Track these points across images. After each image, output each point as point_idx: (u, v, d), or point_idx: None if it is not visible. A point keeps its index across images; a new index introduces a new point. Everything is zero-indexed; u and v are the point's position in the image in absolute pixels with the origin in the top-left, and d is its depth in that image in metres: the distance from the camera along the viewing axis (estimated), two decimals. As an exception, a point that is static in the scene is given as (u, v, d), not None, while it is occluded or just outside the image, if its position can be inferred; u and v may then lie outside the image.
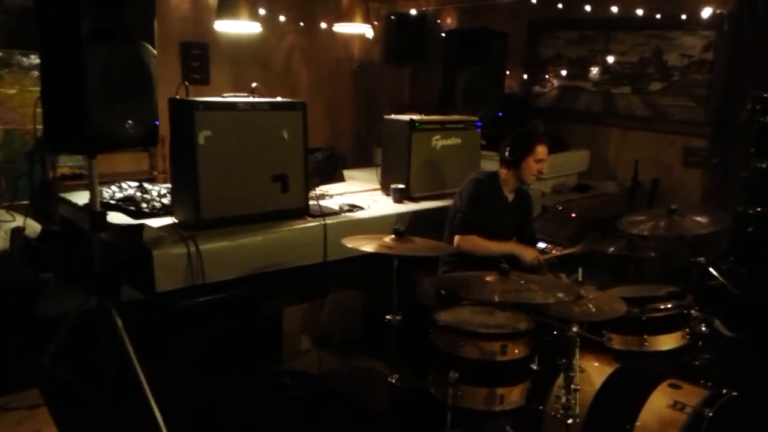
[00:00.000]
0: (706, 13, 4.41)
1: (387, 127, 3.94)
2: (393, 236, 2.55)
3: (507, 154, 3.17)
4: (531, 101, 5.62)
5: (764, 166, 3.79)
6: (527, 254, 3.09)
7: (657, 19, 4.69)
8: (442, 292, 2.79)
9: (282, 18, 5.18)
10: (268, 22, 4.97)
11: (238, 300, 3.04)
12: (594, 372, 2.53)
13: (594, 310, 2.38)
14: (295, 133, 3.13)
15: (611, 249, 3.66)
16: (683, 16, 4.55)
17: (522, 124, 5.17)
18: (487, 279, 2.34)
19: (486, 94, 4.57)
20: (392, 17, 5.31)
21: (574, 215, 4.02)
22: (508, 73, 5.46)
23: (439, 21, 5.71)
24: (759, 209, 3.84)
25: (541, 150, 3.13)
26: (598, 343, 2.63)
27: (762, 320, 3.45)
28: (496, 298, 2.26)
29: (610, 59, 5.09)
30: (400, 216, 3.53)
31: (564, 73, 5.43)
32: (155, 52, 2.62)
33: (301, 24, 5.40)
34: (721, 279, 2.76)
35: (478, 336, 2.44)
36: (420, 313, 2.66)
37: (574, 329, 2.29)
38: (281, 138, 3.09)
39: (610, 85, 5.12)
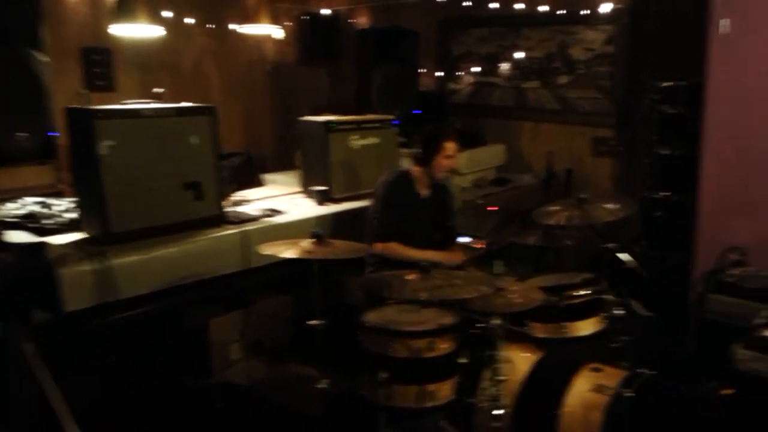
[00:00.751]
0: (606, 8, 4.62)
1: (303, 129, 3.89)
2: (312, 240, 2.50)
3: (417, 152, 3.21)
4: (447, 98, 5.69)
5: (667, 152, 3.98)
6: (453, 259, 3.12)
7: (560, 15, 4.86)
8: (367, 293, 2.78)
9: (189, 20, 5.00)
10: (175, 24, 4.78)
11: (158, 314, 2.92)
12: (519, 361, 2.59)
13: (514, 301, 2.44)
14: (206, 139, 3.02)
15: (530, 240, 3.76)
16: (584, 12, 4.74)
17: (439, 120, 5.23)
18: (409, 278, 2.34)
19: (401, 93, 4.59)
20: (304, 17, 5.24)
21: (493, 209, 4.10)
22: (423, 71, 5.52)
23: (352, 20, 5.69)
24: (663, 194, 4.03)
25: (450, 146, 3.18)
26: (522, 332, 2.68)
27: (673, 299, 3.63)
28: (422, 297, 2.28)
29: (519, 55, 5.24)
30: (321, 218, 3.49)
31: (476, 69, 5.54)
32: (46, 59, 2.45)
33: (210, 26, 5.24)
34: (632, 264, 2.87)
35: (405, 335, 2.44)
36: (349, 315, 2.64)
37: (496, 321, 2.33)
38: (191, 144, 2.97)
39: (520, 80, 5.27)
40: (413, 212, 3.24)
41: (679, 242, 3.89)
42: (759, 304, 2.22)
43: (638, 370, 2.47)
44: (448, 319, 2.51)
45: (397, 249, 3.08)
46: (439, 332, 2.44)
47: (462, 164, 4.92)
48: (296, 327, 3.57)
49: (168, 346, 3.14)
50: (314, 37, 5.23)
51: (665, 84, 3.97)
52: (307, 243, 2.49)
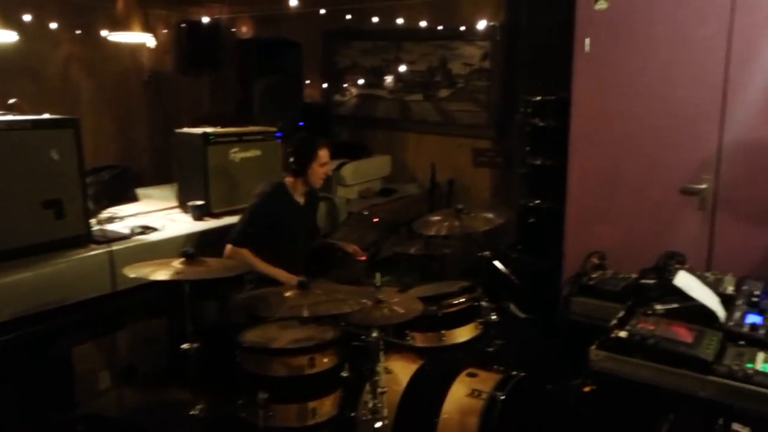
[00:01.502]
0: (481, 25, 4.83)
1: (180, 142, 3.73)
2: (183, 259, 2.39)
3: (291, 162, 3.20)
4: (332, 109, 5.71)
5: (538, 162, 4.21)
6: (289, 283, 3.07)
7: (439, 30, 5.03)
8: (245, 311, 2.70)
9: (53, 25, 4.67)
10: (36, 29, 4.45)
11: (17, 343, 2.66)
12: (400, 372, 2.61)
13: (395, 312, 2.46)
14: (68, 153, 2.81)
15: (413, 250, 3.83)
16: (462, 28, 4.93)
17: (324, 132, 5.23)
18: (287, 294, 2.30)
19: (285, 104, 4.54)
20: (182, 25, 5.05)
21: (376, 220, 4.14)
22: (307, 82, 5.50)
23: (233, 29, 5.56)
24: (537, 202, 4.25)
25: (323, 153, 3.20)
26: (402, 343, 2.72)
27: (546, 302, 3.83)
28: (303, 313, 2.24)
29: (402, 68, 5.36)
30: (198, 235, 3.36)
31: (361, 81, 5.61)
32: None
33: (78, 32, 4.92)
34: (504, 270, 3.01)
35: (285, 352, 2.40)
36: (227, 336, 2.55)
37: (375, 334, 2.34)
38: (51, 159, 2.75)
39: (404, 92, 5.39)
40: (292, 221, 3.23)
41: (551, 247, 4.12)
42: (616, 305, 2.37)
43: (511, 373, 2.58)
44: (329, 334, 2.50)
45: (245, 256, 3.02)
46: (319, 347, 2.42)
47: (348, 176, 4.95)
48: (172, 351, 3.41)
49: (28, 377, 2.89)
50: (193, 46, 5.04)
51: (536, 98, 4.20)
52: (177, 263, 2.38)
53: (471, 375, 2.57)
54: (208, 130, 3.65)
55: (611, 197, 3.72)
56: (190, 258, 2.38)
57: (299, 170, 3.19)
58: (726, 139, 3.34)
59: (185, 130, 3.75)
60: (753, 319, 2.06)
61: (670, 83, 3.46)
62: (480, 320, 2.81)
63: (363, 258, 3.40)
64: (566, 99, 3.81)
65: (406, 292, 2.87)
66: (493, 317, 2.85)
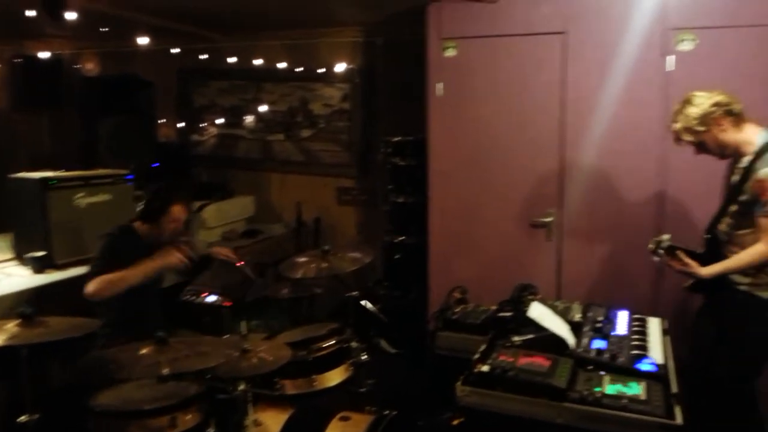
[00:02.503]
0: (340, 68, 4.94)
1: (14, 188, 3.39)
2: (18, 321, 2.14)
3: (143, 208, 3.02)
4: (191, 149, 5.49)
5: (401, 200, 4.33)
6: (169, 258, 2.93)
7: (299, 72, 5.07)
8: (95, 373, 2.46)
9: None
10: None
11: None
12: (271, 423, 2.51)
13: (263, 361, 2.38)
14: None
15: (281, 292, 3.75)
16: (321, 70, 5.00)
17: (182, 173, 5.02)
18: (142, 352, 2.13)
19: (136, 144, 4.30)
20: (17, 60, 4.64)
21: (241, 263, 4.00)
22: (162, 121, 5.27)
23: (79, 65, 5.21)
24: (402, 238, 4.36)
25: (177, 210, 3.04)
26: (271, 393, 2.62)
27: (416, 335, 3.91)
28: (162, 371, 2.09)
29: (263, 108, 5.31)
30: (39, 290, 3.04)
31: (220, 121, 5.47)
32: None
33: None
34: (372, 309, 3.04)
35: (143, 414, 2.22)
36: (78, 400, 2.31)
37: (241, 387, 2.24)
38: None
39: (265, 132, 5.33)
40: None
41: (416, 282, 4.24)
42: (479, 337, 2.46)
43: (383, 413, 2.58)
44: (192, 389, 2.35)
45: (107, 276, 2.79)
46: (181, 406, 2.27)
47: (210, 218, 4.76)
48: (8, 422, 3.01)
49: None
50: (30, 82, 4.65)
51: (396, 138, 4.34)
52: (13, 325, 2.12)
53: (344, 419, 2.54)
54: (49, 174, 3.35)
55: (469, 232, 3.91)
56: (28, 318, 2.13)
57: (148, 218, 3.02)
58: (566, 176, 3.66)
59: (22, 175, 3.41)
60: (598, 344, 2.24)
61: (515, 125, 3.74)
62: (351, 361, 2.80)
63: (241, 263, 3.29)
64: (423, 139, 3.98)
65: (273, 339, 2.78)
66: (364, 357, 2.85)
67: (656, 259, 2.65)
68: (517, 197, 3.79)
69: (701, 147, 2.63)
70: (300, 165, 5.24)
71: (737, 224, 2.60)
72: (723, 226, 2.66)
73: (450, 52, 3.83)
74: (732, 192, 2.63)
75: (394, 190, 4.38)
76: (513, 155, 3.77)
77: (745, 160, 2.55)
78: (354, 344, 2.82)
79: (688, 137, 2.60)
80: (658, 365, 2.12)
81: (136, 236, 3.03)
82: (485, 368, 2.00)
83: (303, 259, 3.08)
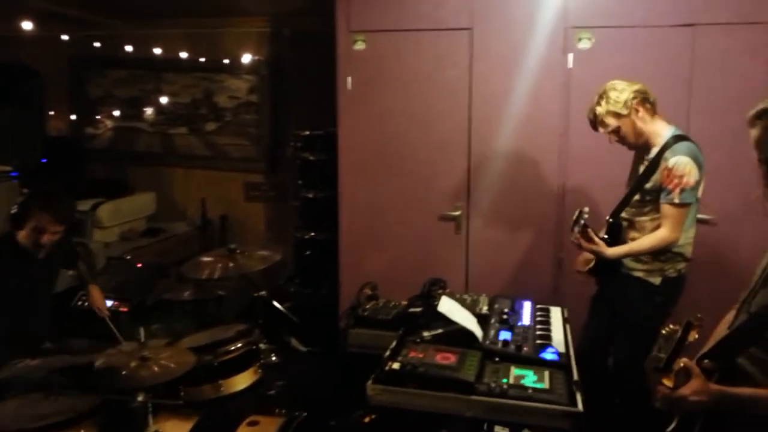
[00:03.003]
0: (246, 59, 4.78)
1: None
2: None
3: (12, 212, 2.76)
4: (85, 144, 5.14)
5: (311, 195, 4.25)
6: None
7: (202, 62, 4.86)
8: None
9: None
10: None
11: None
12: (174, 432, 2.39)
13: (165, 368, 2.25)
14: None
15: (184, 295, 3.59)
16: (226, 61, 4.82)
17: (74, 168, 4.70)
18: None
19: (21, 139, 3.96)
20: None
21: (140, 265, 3.80)
22: (51, 113, 4.90)
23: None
24: (312, 234, 4.29)
25: (40, 218, 2.73)
26: (175, 402, 2.49)
27: (328, 332, 3.85)
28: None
29: (164, 100, 5.05)
30: None
31: (117, 113, 5.15)
32: None
33: None
34: (281, 309, 2.95)
35: (29, 433, 2.04)
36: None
37: (140, 398, 2.11)
38: None
39: (166, 125, 5.08)
40: (23, 278, 2.78)
41: (328, 279, 4.19)
42: (390, 333, 2.45)
43: (294, 414, 2.52)
44: (87, 404, 2.19)
45: None
46: (74, 422, 2.11)
47: (105, 217, 4.49)
48: None
49: None
50: None
51: (305, 132, 4.25)
52: None
53: (252, 423, 2.46)
54: None
55: (380, 227, 3.90)
56: None
57: (12, 225, 2.76)
58: (473, 170, 3.73)
59: None
60: (504, 335, 2.28)
61: (424, 120, 3.76)
62: (259, 363, 2.70)
63: (106, 315, 3.07)
64: (333, 133, 3.92)
65: (176, 344, 2.65)
66: (273, 359, 2.77)
67: (576, 230, 2.72)
68: (426, 191, 3.82)
69: (618, 133, 2.72)
70: (205, 160, 5.03)
71: (640, 211, 2.74)
72: (626, 213, 2.80)
73: (359, 45, 3.80)
74: (638, 181, 2.76)
75: (304, 185, 4.29)
76: (422, 149, 3.79)
77: (654, 151, 2.68)
78: (263, 345, 2.73)
79: (610, 121, 2.68)
80: (560, 354, 2.18)
81: (14, 246, 2.76)
82: (396, 366, 1.98)
83: (208, 259, 2.94)
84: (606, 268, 2.80)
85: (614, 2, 3.43)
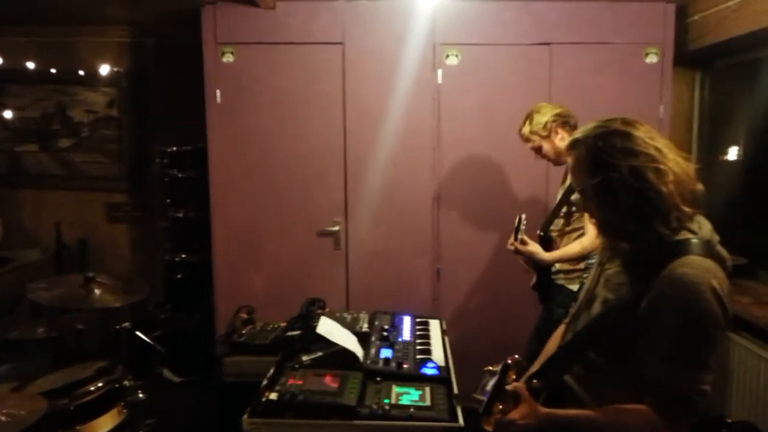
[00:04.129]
0: (105, 70, 4.44)
1: None
2: None
3: None
4: None
5: (180, 215, 4.02)
6: None
7: (54, 73, 4.45)
8: None
9: None
10: None
11: None
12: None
13: (12, 417, 1.98)
14: None
15: (40, 330, 3.25)
16: (81, 72, 4.45)
17: None
18: None
19: None
20: None
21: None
22: None
23: None
24: (183, 256, 4.04)
25: None
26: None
27: (204, 360, 3.64)
28: None
29: (9, 114, 4.56)
30: None
31: (-49, 129, 4.58)
32: None
33: None
34: (148, 341, 2.74)
35: None
36: None
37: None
38: None
39: (13, 142, 4.57)
40: None
41: (202, 303, 3.97)
42: (269, 358, 2.33)
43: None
44: None
45: None
46: None
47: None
48: None
49: None
50: None
51: (172, 149, 4.02)
52: None
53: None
54: None
55: (256, 246, 3.76)
56: None
57: None
58: (350, 185, 3.70)
59: None
60: (385, 353, 2.25)
61: (298, 134, 3.69)
62: (124, 403, 2.47)
63: None
64: (203, 149, 3.74)
65: (24, 389, 2.35)
66: (141, 396, 2.54)
67: (519, 237, 2.78)
68: (303, 207, 3.74)
69: (540, 151, 2.92)
70: (59, 179, 4.59)
71: (567, 222, 2.90)
72: (556, 225, 2.94)
73: (228, 58, 3.65)
74: (565, 194, 2.89)
75: (172, 204, 4.05)
76: (297, 164, 3.71)
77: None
78: (127, 382, 2.50)
79: (534, 139, 2.89)
80: (439, 368, 2.19)
81: None
82: (273, 396, 1.88)
83: (64, 289, 2.67)
84: (546, 282, 2.94)
85: (478, 21, 3.57)
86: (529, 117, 2.91)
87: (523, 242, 2.78)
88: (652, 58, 3.55)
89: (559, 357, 1.60)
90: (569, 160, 1.56)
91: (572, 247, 2.79)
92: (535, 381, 1.54)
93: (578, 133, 1.53)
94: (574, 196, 2.81)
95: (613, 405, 1.44)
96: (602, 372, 1.50)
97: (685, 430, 1.43)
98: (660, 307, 1.37)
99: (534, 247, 2.79)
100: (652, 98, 3.56)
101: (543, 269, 2.90)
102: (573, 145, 1.53)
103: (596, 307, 1.58)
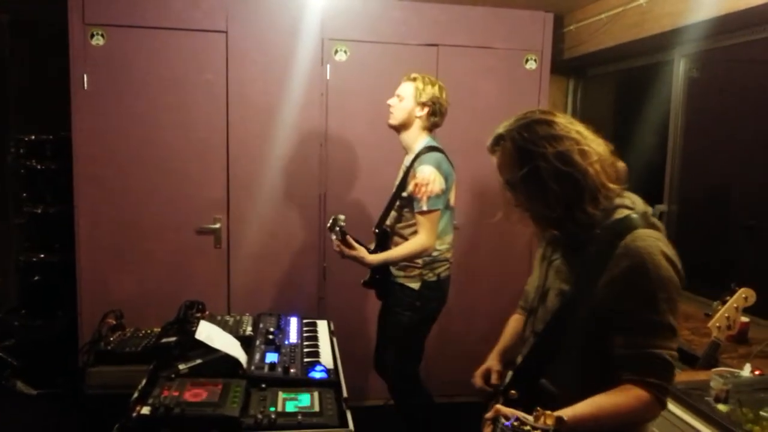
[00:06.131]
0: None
1: None
2: None
3: None
4: None
5: (38, 211, 3.63)
6: None
7: None
8: None
9: None
10: None
11: None
12: None
13: None
14: None
15: None
16: None
17: None
18: None
19: None
20: None
21: None
22: None
23: None
24: (42, 256, 3.66)
25: None
26: None
27: (65, 370, 3.32)
28: None
29: None
30: None
31: None
32: None
33: None
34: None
35: None
36: None
37: None
38: None
39: None
40: None
41: (63, 308, 3.61)
42: (141, 367, 2.14)
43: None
44: None
45: None
46: None
47: None
48: None
49: None
50: None
51: (30, 137, 3.62)
52: None
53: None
54: None
55: (127, 245, 3.48)
56: None
57: None
58: (232, 180, 3.52)
59: None
60: (271, 358, 2.13)
61: (176, 125, 3.46)
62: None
63: None
64: (67, 138, 3.40)
65: None
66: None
67: (333, 237, 2.71)
68: (181, 203, 3.51)
69: (400, 101, 2.81)
70: None
71: (400, 217, 2.84)
72: (389, 221, 2.88)
73: (98, 40, 3.35)
74: (396, 190, 2.86)
75: (29, 198, 3.66)
76: (176, 157, 3.47)
77: (408, 159, 2.79)
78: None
79: (406, 89, 2.80)
80: (328, 371, 2.11)
81: None
82: (145, 410, 1.70)
83: None
84: (378, 281, 2.88)
85: (367, 18, 3.54)
86: (430, 79, 2.81)
87: (349, 245, 2.73)
88: (531, 65, 3.70)
89: (529, 362, 1.57)
90: (495, 158, 1.53)
91: (399, 250, 2.77)
92: (512, 392, 1.52)
93: (500, 129, 1.51)
94: (405, 193, 2.81)
95: (594, 395, 1.39)
96: (574, 365, 1.48)
97: (664, 399, 1.40)
98: (623, 285, 1.38)
99: (358, 252, 2.73)
100: (530, 102, 3.70)
101: (374, 267, 2.87)
102: (497, 141, 1.51)
103: (552, 300, 1.56)
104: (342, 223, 2.68)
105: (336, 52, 3.52)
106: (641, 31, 3.23)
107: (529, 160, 1.44)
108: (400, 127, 2.83)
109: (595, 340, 1.44)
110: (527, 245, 3.79)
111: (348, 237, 2.71)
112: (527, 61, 3.69)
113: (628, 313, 1.40)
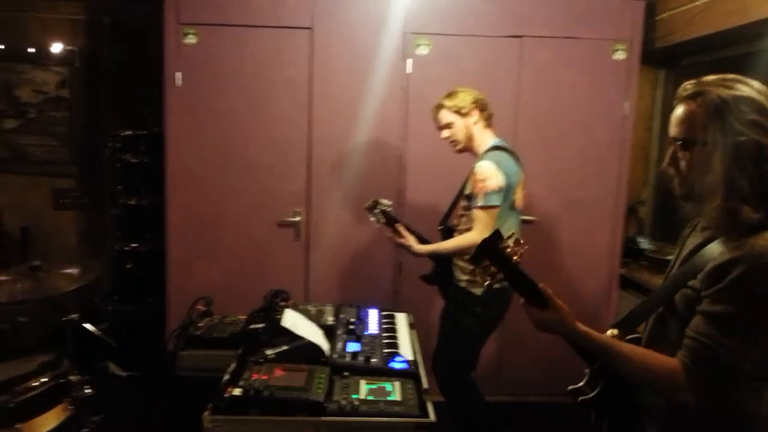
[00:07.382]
0: (57, 48, 4.20)
1: None
2: None
3: None
4: None
5: (133, 202, 3.83)
6: None
7: (0, 50, 4.17)
8: None
9: None
10: None
11: None
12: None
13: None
14: None
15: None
16: (31, 50, 4.19)
17: None
18: None
19: None
20: None
21: None
22: None
23: None
24: (134, 245, 3.86)
25: None
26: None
27: (154, 353, 3.46)
28: None
29: (-52, 91, 4.26)
30: None
31: None
32: None
33: None
34: (97, 333, 2.56)
35: None
36: None
37: None
38: None
39: (-48, 121, 4.29)
40: None
41: (153, 295, 3.79)
42: (227, 352, 2.21)
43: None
44: None
45: None
46: None
47: None
48: None
49: None
50: None
51: (126, 132, 3.82)
52: None
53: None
54: None
55: (213, 236, 3.61)
56: None
57: None
58: (313, 174, 3.58)
59: None
60: (353, 347, 2.16)
61: (261, 121, 3.55)
62: (69, 399, 2.30)
63: None
64: (160, 134, 3.56)
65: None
66: (87, 391, 2.37)
67: (372, 219, 2.72)
68: (263, 196, 3.60)
69: (450, 128, 2.78)
70: (3, 163, 4.31)
71: (462, 216, 2.81)
72: (454, 219, 2.86)
73: (190, 39, 3.48)
74: (461, 188, 2.84)
75: (124, 190, 3.85)
76: (260, 152, 3.57)
77: (476, 161, 2.76)
78: (73, 377, 2.33)
79: (448, 116, 2.76)
80: (408, 362, 2.11)
81: None
82: (237, 392, 1.76)
83: (4, 279, 2.47)
84: (438, 277, 2.89)
85: (450, 11, 3.50)
86: (451, 94, 2.79)
87: (398, 233, 2.72)
88: (620, 55, 3.55)
89: (645, 303, 1.56)
90: (682, 108, 1.41)
91: (449, 243, 2.73)
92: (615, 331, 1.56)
93: (700, 86, 1.40)
94: (467, 191, 2.75)
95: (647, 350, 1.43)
96: (667, 328, 1.46)
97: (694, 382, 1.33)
98: (734, 273, 1.28)
99: (406, 239, 2.74)
100: (617, 94, 3.56)
101: (438, 261, 2.82)
102: (695, 95, 1.40)
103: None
104: (385, 208, 2.69)
105: (418, 46, 3.51)
106: (742, 18, 3.04)
107: (756, 131, 1.30)
108: (468, 144, 2.80)
109: (691, 312, 1.38)
110: (608, 241, 3.63)
111: (398, 225, 2.72)
112: (615, 51, 3.55)
113: (718, 300, 1.30)
